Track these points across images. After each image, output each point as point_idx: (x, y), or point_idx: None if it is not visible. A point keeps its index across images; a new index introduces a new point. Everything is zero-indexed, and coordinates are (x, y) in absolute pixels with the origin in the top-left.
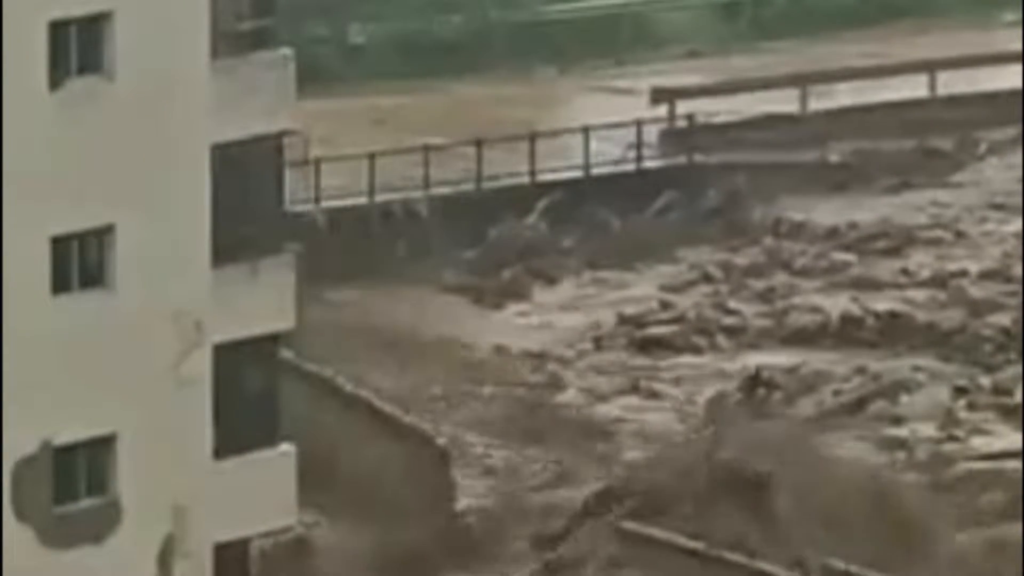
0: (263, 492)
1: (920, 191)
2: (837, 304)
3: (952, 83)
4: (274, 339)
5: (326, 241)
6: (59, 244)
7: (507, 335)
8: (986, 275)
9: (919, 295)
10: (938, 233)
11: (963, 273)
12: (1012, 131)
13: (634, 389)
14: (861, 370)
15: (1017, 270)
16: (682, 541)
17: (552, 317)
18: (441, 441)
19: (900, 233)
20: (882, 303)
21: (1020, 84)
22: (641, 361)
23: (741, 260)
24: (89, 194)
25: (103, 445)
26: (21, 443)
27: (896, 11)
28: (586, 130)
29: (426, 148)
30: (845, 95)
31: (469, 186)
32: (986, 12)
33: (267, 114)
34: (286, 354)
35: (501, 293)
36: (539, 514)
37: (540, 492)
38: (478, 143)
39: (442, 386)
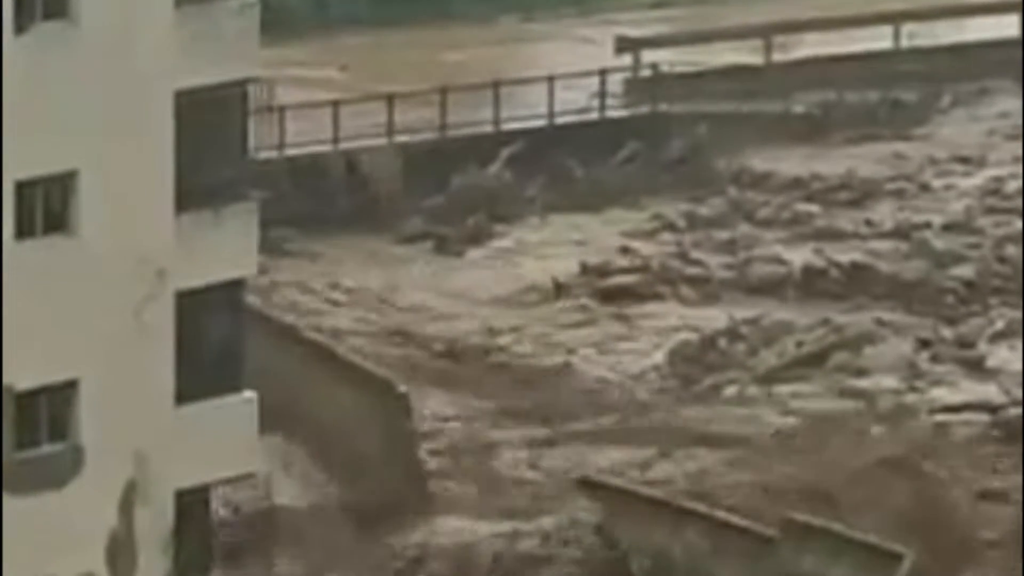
0: (225, 439)
1: (884, 143)
2: (800, 255)
3: (917, 35)
4: (238, 285)
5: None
6: (24, 189)
7: (469, 282)
8: (949, 227)
9: (882, 246)
10: (902, 185)
11: (927, 225)
12: (976, 84)
13: (596, 338)
14: (824, 321)
15: (980, 222)
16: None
17: (515, 265)
18: (402, 388)
19: (864, 184)
20: (845, 254)
21: (984, 37)
22: (603, 310)
23: (704, 210)
24: (54, 139)
25: (65, 391)
26: None
27: None
28: (550, 79)
29: (390, 96)
30: (809, 46)
31: (433, 134)
32: None
33: (231, 60)
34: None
35: (464, 240)
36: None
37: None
38: (443, 91)
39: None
